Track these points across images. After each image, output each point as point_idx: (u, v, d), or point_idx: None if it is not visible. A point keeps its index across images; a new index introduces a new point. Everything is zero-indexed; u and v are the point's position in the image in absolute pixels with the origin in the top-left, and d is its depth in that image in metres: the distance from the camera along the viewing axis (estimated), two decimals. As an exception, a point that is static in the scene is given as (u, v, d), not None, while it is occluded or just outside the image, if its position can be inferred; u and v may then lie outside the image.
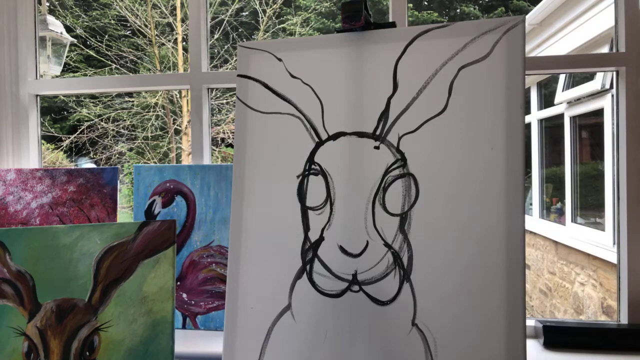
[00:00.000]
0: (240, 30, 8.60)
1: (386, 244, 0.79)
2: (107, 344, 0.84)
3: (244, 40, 8.53)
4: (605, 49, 3.68)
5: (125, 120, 8.05)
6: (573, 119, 4.33)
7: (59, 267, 0.84)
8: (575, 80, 4.23)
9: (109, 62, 8.12)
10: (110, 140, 8.11)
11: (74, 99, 7.97)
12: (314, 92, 0.87)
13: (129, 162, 8.17)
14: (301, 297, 0.83)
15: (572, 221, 4.27)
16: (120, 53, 8.22)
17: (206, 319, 1.17)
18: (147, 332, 0.86)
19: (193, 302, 1.17)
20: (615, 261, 1.17)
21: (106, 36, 8.21)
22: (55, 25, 3.02)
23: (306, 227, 0.84)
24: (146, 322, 0.86)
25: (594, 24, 3.78)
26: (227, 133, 7.73)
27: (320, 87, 0.87)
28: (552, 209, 5.04)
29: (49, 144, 7.97)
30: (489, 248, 0.74)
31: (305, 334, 0.81)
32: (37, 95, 1.45)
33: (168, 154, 8.17)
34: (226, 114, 7.88)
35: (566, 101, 4.34)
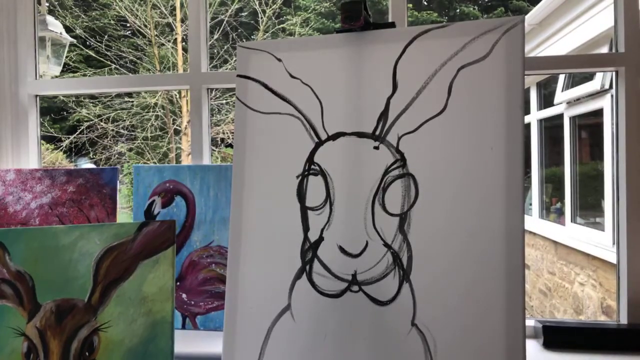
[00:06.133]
0: (239, 30, 8.60)
1: (386, 244, 0.79)
2: (106, 344, 0.84)
3: (244, 40, 8.53)
4: (604, 49, 3.68)
5: (124, 120, 8.06)
6: (573, 119, 4.33)
7: (58, 268, 0.84)
8: (574, 81, 4.23)
9: (109, 63, 8.13)
10: (110, 140, 8.11)
11: (74, 99, 7.97)
12: (314, 92, 0.87)
13: (128, 162, 8.17)
14: (301, 297, 0.83)
15: (571, 221, 4.27)
16: (120, 53, 8.23)
17: (206, 319, 1.16)
18: (147, 332, 0.86)
19: (193, 303, 1.17)
20: (614, 261, 1.17)
21: (106, 36, 8.22)
22: (55, 26, 3.02)
23: (306, 227, 0.84)
24: (146, 323, 0.86)
25: (594, 24, 3.78)
26: (227, 133, 7.73)
27: (319, 88, 0.87)
28: (551, 209, 5.04)
29: (48, 144, 7.97)
30: (489, 248, 0.74)
31: (305, 334, 0.81)
32: (36, 96, 1.45)
33: (168, 154, 8.17)
34: (226, 114, 7.88)
35: (566, 101, 4.34)
